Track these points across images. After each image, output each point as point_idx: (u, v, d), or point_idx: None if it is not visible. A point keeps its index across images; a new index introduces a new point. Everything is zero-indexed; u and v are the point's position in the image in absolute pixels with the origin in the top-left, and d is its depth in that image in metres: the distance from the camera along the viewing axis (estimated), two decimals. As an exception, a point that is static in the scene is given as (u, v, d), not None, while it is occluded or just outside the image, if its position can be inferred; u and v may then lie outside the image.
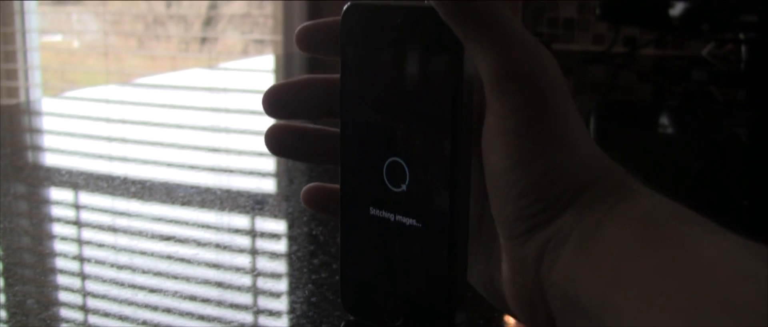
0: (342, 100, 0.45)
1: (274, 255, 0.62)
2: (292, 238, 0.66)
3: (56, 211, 0.76)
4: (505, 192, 0.40)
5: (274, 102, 0.47)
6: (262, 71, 1.85)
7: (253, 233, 0.67)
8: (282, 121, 0.48)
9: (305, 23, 0.46)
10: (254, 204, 0.74)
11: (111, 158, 0.96)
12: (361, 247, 0.46)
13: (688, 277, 0.33)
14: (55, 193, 0.81)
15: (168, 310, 0.51)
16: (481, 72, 0.39)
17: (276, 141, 0.48)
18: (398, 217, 0.44)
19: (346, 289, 0.48)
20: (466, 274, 0.43)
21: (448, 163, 0.41)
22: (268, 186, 0.85)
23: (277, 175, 0.88)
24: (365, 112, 0.44)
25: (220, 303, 0.52)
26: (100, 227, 0.69)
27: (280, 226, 0.69)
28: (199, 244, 0.63)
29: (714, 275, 0.33)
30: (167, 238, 0.65)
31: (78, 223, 0.71)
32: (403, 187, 0.43)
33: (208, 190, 0.79)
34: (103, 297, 0.54)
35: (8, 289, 0.55)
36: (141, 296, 0.53)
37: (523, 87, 0.38)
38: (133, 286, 0.55)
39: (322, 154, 0.48)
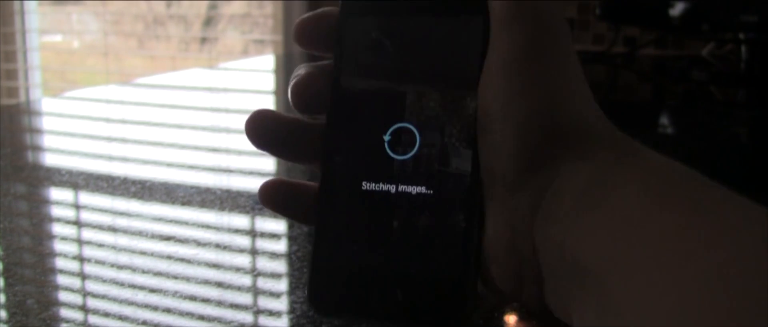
0: (335, 70, 0.43)
1: (274, 255, 0.62)
2: (292, 238, 0.66)
3: (56, 211, 0.76)
4: (502, 126, 0.38)
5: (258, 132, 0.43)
6: (262, 71, 1.85)
7: (253, 233, 0.67)
8: (267, 109, 0.43)
9: (305, 15, 0.43)
10: (254, 204, 0.74)
11: (111, 158, 0.96)
12: (346, 232, 0.42)
13: (709, 241, 0.30)
14: (55, 193, 0.81)
15: (168, 310, 0.51)
16: (494, 9, 0.39)
17: (258, 129, 0.43)
18: (402, 188, 0.41)
19: (321, 285, 0.42)
20: (481, 246, 0.39)
21: (470, 120, 0.40)
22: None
23: (278, 175, 0.88)
24: (364, 80, 0.42)
25: (220, 303, 0.52)
26: (100, 227, 0.69)
27: (280, 226, 0.69)
28: (199, 244, 0.63)
29: (738, 240, 0.30)
30: (167, 238, 0.65)
31: (78, 223, 0.71)
32: (411, 153, 0.41)
33: (208, 190, 0.79)
34: (103, 297, 0.54)
35: (8, 289, 0.55)
36: (141, 296, 0.53)
37: (531, 22, 0.38)
38: (133, 286, 0.55)
39: (309, 149, 0.43)
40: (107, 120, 1.21)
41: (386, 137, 0.41)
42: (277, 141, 0.43)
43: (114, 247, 0.64)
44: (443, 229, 0.40)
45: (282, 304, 0.53)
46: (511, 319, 0.50)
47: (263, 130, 0.43)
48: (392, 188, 0.41)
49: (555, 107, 0.37)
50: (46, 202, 0.80)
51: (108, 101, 1.36)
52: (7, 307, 0.52)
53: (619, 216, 0.34)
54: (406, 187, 0.41)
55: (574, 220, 0.35)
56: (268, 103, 1.39)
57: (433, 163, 0.40)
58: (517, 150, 0.37)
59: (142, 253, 0.62)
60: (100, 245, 0.64)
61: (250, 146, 0.44)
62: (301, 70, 0.43)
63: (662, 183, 0.35)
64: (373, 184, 0.41)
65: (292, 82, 0.43)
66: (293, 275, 0.58)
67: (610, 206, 0.34)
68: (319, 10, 0.44)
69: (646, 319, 0.30)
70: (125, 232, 0.67)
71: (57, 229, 0.70)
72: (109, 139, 1.07)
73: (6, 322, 0.49)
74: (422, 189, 0.40)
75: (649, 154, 0.37)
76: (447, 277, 0.39)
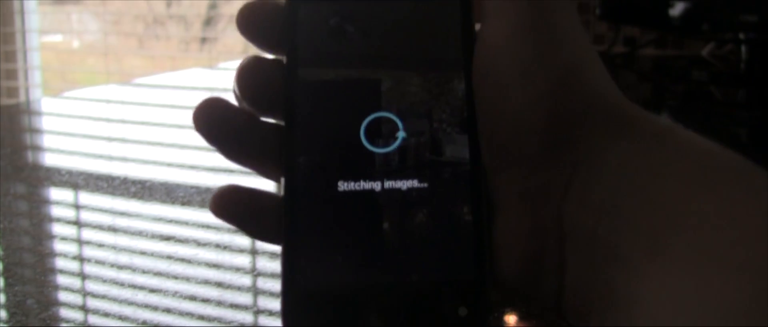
0: (290, 58, 0.36)
1: (273, 255, 0.62)
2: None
3: (56, 211, 0.76)
4: (522, 95, 0.32)
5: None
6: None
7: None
8: (220, 97, 0.36)
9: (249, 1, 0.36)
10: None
11: (111, 158, 0.96)
12: (325, 243, 0.34)
13: (759, 227, 0.27)
14: (55, 193, 0.81)
15: (168, 310, 0.51)
16: None
17: (208, 118, 0.35)
18: (389, 184, 0.34)
19: (300, 312, 0.34)
20: (492, 241, 0.34)
21: (461, 102, 0.35)
22: (269, 186, 0.85)
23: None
24: (327, 69, 0.36)
25: (220, 303, 0.52)
26: (100, 227, 0.69)
27: (280, 226, 0.69)
28: (199, 244, 0.63)
29: None
30: (167, 238, 0.65)
31: (78, 223, 0.71)
32: (394, 145, 0.35)
33: (208, 190, 0.79)
34: (103, 297, 0.54)
35: (8, 289, 0.55)
36: (141, 296, 0.53)
37: None
38: (133, 286, 0.55)
39: (265, 148, 0.36)
40: (107, 120, 1.21)
41: (362, 129, 0.35)
42: (231, 134, 0.35)
43: (114, 247, 0.64)
44: (446, 226, 0.34)
45: (282, 304, 0.53)
46: (511, 319, 0.50)
47: (215, 120, 0.35)
48: (376, 185, 0.35)
49: (577, 75, 0.32)
50: (46, 202, 0.80)
51: (108, 101, 1.36)
52: (7, 307, 0.52)
53: (664, 202, 0.30)
54: (393, 182, 0.35)
55: (611, 202, 0.31)
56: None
57: (423, 153, 0.35)
58: (542, 122, 0.32)
59: (142, 253, 0.62)
60: (100, 245, 0.64)
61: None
62: (251, 59, 0.36)
63: (711, 167, 0.30)
64: (352, 183, 0.35)
65: (237, 69, 0.36)
66: (293, 275, 0.58)
67: (653, 187, 0.30)
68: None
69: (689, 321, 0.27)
70: (125, 232, 0.67)
71: (57, 229, 0.70)
72: (109, 139, 1.07)
73: (6, 322, 0.49)
74: (414, 183, 0.34)
75: (687, 133, 0.32)
76: (457, 283, 0.33)
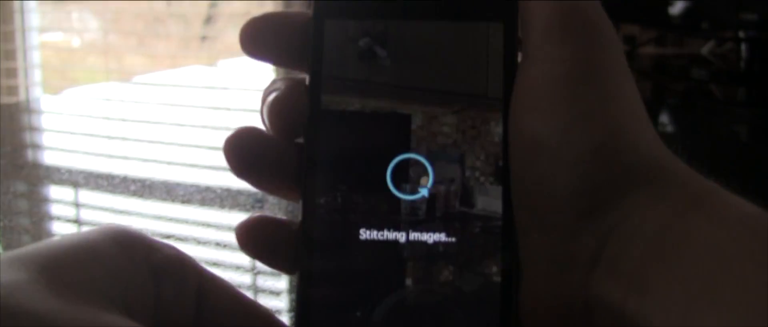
0: (313, 86, 0.33)
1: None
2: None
3: (56, 209, 0.76)
4: (558, 157, 0.30)
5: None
6: (262, 69, 1.85)
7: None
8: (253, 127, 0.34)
9: (256, 16, 0.34)
10: (254, 202, 0.74)
11: (111, 156, 0.96)
12: (341, 295, 0.31)
13: None
14: (55, 191, 0.81)
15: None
16: (534, 11, 0.31)
17: (240, 150, 0.33)
18: (415, 236, 0.32)
19: None
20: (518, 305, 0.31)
21: (498, 149, 0.32)
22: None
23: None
24: (352, 98, 0.33)
25: (220, 301, 0.52)
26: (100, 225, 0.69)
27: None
28: (199, 242, 0.63)
29: None
30: (167, 236, 0.65)
31: (78, 222, 0.71)
32: (423, 192, 0.32)
33: (208, 189, 0.79)
34: (103, 295, 0.54)
35: (8, 287, 0.55)
36: (141, 294, 0.53)
37: (588, 29, 0.31)
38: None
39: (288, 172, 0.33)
40: (107, 118, 1.21)
41: (388, 171, 0.32)
42: (265, 166, 0.33)
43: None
44: (472, 286, 0.31)
45: (282, 302, 0.53)
46: None
47: (247, 151, 0.33)
48: (402, 236, 0.32)
49: (619, 136, 0.30)
50: (46, 200, 0.80)
51: (108, 99, 1.36)
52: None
53: (699, 273, 0.27)
54: (421, 234, 0.32)
55: (643, 275, 0.28)
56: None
57: (452, 204, 0.32)
58: (576, 190, 0.30)
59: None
60: (100, 243, 0.64)
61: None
62: (278, 84, 0.34)
63: (751, 235, 0.28)
64: (375, 232, 0.32)
65: (269, 99, 0.33)
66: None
67: (688, 258, 0.28)
68: (276, 12, 0.34)
69: None
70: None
71: (57, 227, 0.70)
72: (109, 137, 1.07)
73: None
74: (442, 237, 0.32)
75: (728, 196, 0.30)
76: None
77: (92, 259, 0.28)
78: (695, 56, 1.74)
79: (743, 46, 1.51)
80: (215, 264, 0.59)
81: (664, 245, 0.28)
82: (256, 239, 0.33)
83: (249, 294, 0.55)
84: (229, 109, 1.28)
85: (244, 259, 0.61)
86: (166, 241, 0.31)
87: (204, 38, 3.39)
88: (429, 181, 0.32)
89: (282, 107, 0.33)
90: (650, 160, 0.30)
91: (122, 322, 0.26)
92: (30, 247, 0.28)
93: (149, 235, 0.32)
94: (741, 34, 1.51)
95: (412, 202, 0.32)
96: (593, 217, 0.29)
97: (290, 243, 0.32)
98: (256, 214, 0.33)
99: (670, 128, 1.15)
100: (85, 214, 0.74)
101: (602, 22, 0.31)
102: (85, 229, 0.69)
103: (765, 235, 0.27)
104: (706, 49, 1.76)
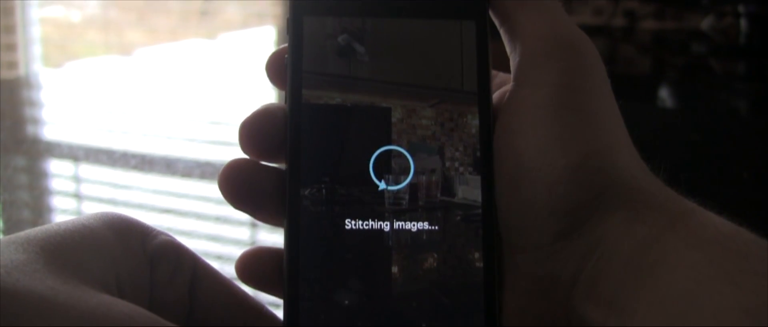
0: (292, 78, 0.33)
1: (272, 228, 0.62)
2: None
3: (56, 183, 0.76)
4: (538, 179, 0.31)
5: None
6: (262, 43, 1.85)
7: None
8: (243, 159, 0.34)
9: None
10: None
11: (111, 131, 0.96)
12: (329, 284, 0.32)
13: None
14: (55, 166, 0.81)
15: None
16: (520, 38, 0.33)
17: (234, 182, 0.33)
18: (399, 224, 0.33)
19: None
20: (503, 289, 0.32)
21: (475, 141, 0.33)
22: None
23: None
24: (332, 92, 0.33)
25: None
26: (100, 200, 0.69)
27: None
28: (199, 216, 0.64)
29: None
30: (167, 211, 0.65)
31: (78, 196, 0.71)
32: (405, 182, 0.33)
33: (207, 163, 0.79)
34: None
35: (9, 261, 0.55)
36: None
37: (570, 54, 0.32)
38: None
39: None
40: (107, 93, 1.21)
41: (371, 163, 0.33)
42: (259, 197, 0.34)
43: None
44: (456, 271, 0.32)
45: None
46: None
47: (241, 183, 0.33)
48: (386, 225, 0.33)
49: (602, 157, 0.31)
50: (46, 174, 0.80)
51: (108, 74, 1.36)
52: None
53: (678, 295, 0.28)
54: (404, 223, 0.33)
55: (622, 296, 0.29)
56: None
57: (433, 194, 0.33)
58: (557, 210, 0.31)
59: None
60: (100, 218, 0.65)
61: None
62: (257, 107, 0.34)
63: (729, 253, 0.28)
64: (360, 222, 0.33)
65: (240, 125, 0.33)
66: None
67: (666, 281, 0.28)
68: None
69: None
70: (125, 204, 0.68)
71: (57, 201, 0.70)
72: (110, 111, 1.07)
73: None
74: (425, 225, 0.33)
75: (705, 216, 0.30)
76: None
77: (89, 243, 0.29)
78: (695, 31, 1.74)
79: (743, 21, 1.51)
80: (214, 238, 0.59)
81: (642, 267, 0.29)
82: (254, 272, 0.33)
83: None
84: (229, 83, 1.28)
85: (244, 234, 0.61)
86: (166, 214, 0.32)
87: (204, 12, 3.38)
88: (410, 171, 0.33)
89: (250, 131, 0.33)
90: (628, 180, 0.31)
91: (118, 302, 0.27)
92: (28, 231, 0.29)
93: (145, 222, 0.32)
94: (740, 8, 1.51)
95: (395, 192, 0.33)
96: (571, 238, 0.30)
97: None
98: (253, 247, 0.34)
99: (669, 103, 1.16)
100: (85, 189, 0.74)
101: (584, 45, 0.32)
102: (85, 203, 0.69)
103: (741, 256, 0.28)
104: (705, 23, 1.76)
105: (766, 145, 0.89)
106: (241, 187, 0.33)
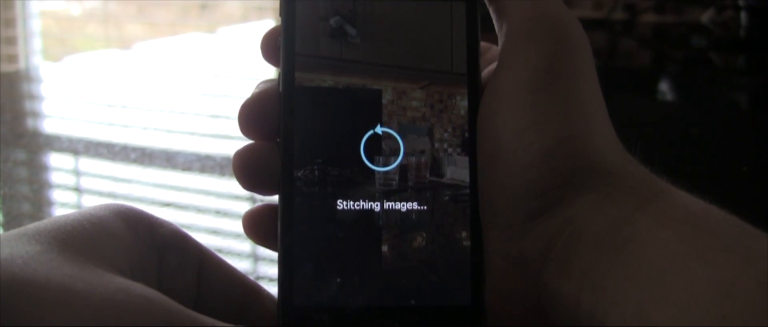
0: (285, 60, 0.34)
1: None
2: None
3: (56, 177, 0.76)
4: (512, 160, 0.32)
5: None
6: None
7: (253, 199, 0.68)
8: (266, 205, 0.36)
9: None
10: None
11: (111, 124, 0.96)
12: (322, 263, 0.33)
13: (757, 301, 0.26)
14: (55, 159, 0.81)
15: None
16: (506, 18, 0.34)
17: (259, 226, 0.36)
18: (389, 205, 0.34)
19: (292, 325, 0.33)
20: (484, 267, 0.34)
21: (464, 122, 0.34)
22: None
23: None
24: (324, 75, 0.34)
25: (219, 268, 0.53)
26: (100, 193, 0.69)
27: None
28: (199, 210, 0.64)
29: None
30: (167, 204, 0.65)
31: (78, 190, 0.71)
32: (395, 164, 0.34)
33: (208, 157, 0.79)
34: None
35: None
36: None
37: (554, 36, 0.33)
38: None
39: None
40: (107, 86, 1.21)
41: (362, 145, 0.34)
42: (271, 180, 0.35)
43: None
44: (444, 250, 0.34)
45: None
46: None
47: (255, 166, 0.35)
48: (376, 206, 0.34)
49: (575, 141, 0.32)
50: (46, 168, 0.80)
51: (108, 67, 1.36)
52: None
53: (649, 272, 0.28)
54: (395, 203, 0.34)
55: (594, 273, 0.30)
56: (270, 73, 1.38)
57: (423, 174, 0.34)
58: (529, 191, 0.32)
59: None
60: (101, 211, 0.65)
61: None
62: (256, 88, 0.36)
63: (699, 231, 0.29)
64: (352, 203, 0.34)
65: (238, 109, 0.35)
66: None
67: (637, 258, 0.29)
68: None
69: None
70: (125, 198, 0.68)
71: (57, 195, 0.70)
72: (110, 105, 1.07)
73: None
74: (414, 205, 0.34)
75: (678, 195, 0.31)
76: (454, 306, 0.33)
77: (99, 231, 0.30)
78: (695, 24, 1.74)
79: (743, 14, 1.51)
80: (215, 232, 0.59)
81: (613, 245, 0.30)
82: (262, 227, 0.35)
83: (248, 262, 0.55)
84: (229, 77, 1.28)
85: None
86: (166, 208, 0.32)
87: (204, 6, 3.38)
88: (400, 152, 0.34)
89: (248, 113, 0.35)
90: (602, 164, 0.32)
91: (136, 285, 0.27)
92: (37, 223, 0.29)
93: (152, 213, 0.33)
94: (740, 2, 1.51)
95: (386, 173, 0.34)
96: (542, 218, 0.32)
97: None
98: (259, 204, 0.36)
99: (670, 96, 1.15)
100: (86, 182, 0.74)
101: (570, 26, 0.33)
102: (85, 196, 0.69)
103: (711, 233, 0.28)
104: (705, 17, 1.75)
105: (766, 139, 0.89)
106: (256, 169, 0.34)
